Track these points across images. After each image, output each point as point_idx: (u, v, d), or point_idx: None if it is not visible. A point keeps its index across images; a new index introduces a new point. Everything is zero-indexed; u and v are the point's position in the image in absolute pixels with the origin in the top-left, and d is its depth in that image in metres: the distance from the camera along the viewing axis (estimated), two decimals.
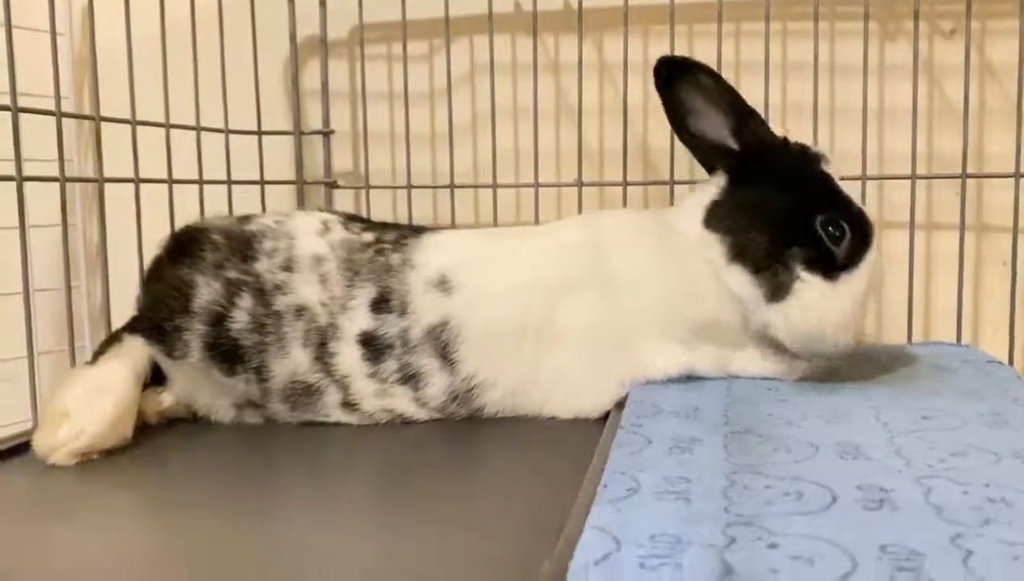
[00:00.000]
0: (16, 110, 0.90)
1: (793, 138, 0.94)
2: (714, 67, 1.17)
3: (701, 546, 0.49)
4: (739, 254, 0.89)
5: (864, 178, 1.15)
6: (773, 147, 0.94)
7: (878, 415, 0.76)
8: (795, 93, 1.23)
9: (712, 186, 0.95)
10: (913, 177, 1.15)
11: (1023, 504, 0.54)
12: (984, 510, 0.53)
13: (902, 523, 0.52)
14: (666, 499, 0.57)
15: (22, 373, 0.97)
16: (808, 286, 0.87)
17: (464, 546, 0.64)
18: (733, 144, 0.93)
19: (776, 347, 0.91)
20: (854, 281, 0.87)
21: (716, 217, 0.92)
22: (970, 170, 1.14)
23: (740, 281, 0.89)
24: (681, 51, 1.22)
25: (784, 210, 0.89)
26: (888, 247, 1.22)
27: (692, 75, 0.92)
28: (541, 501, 0.70)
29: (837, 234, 0.87)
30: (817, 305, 0.87)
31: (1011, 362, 1.13)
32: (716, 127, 0.93)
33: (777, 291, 0.88)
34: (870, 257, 0.88)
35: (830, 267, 0.87)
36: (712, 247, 0.90)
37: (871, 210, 1.18)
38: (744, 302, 0.89)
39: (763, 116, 0.93)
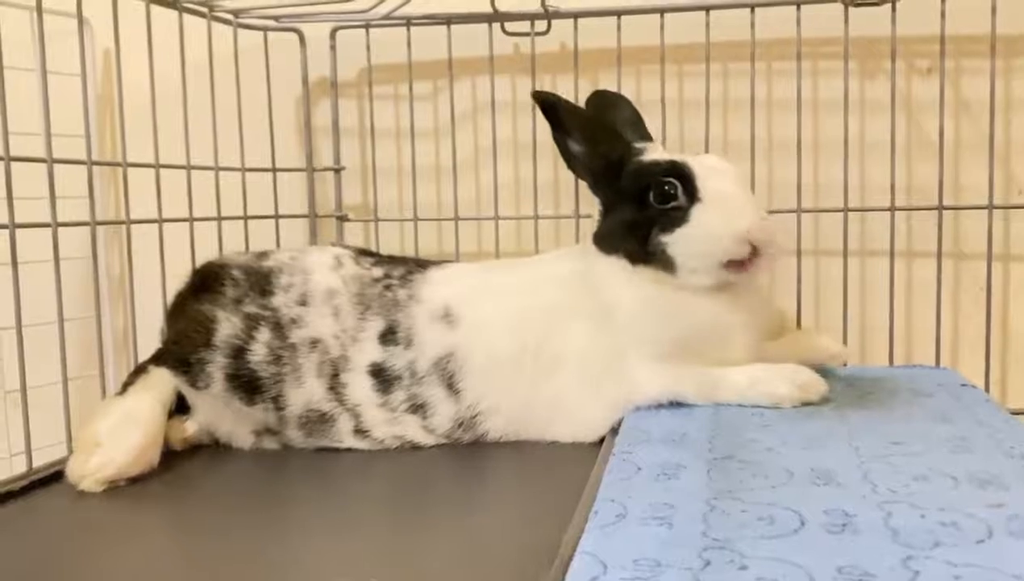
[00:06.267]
0: (52, 161, 0.95)
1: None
2: (703, 105, 1.23)
3: (678, 569, 0.54)
4: (636, 261, 0.96)
5: (846, 210, 1.20)
6: (613, 161, 0.99)
7: (851, 440, 0.80)
8: (780, 128, 1.27)
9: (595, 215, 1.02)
10: (892, 209, 1.20)
11: (971, 527, 0.59)
12: (936, 533, 0.58)
13: (860, 546, 0.57)
14: (650, 524, 0.62)
15: (42, 399, 1.00)
16: (676, 238, 0.93)
17: (466, 567, 0.68)
18: (595, 167, 0.99)
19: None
20: (707, 207, 0.93)
21: (603, 240, 0.99)
22: (946, 202, 1.20)
23: (650, 277, 0.96)
24: (671, 89, 1.27)
25: (631, 212, 0.97)
26: (871, 274, 1.27)
27: (554, 109, 0.97)
28: (539, 524, 0.73)
29: (671, 192, 0.94)
30: (692, 240, 0.93)
31: (987, 381, 1.18)
32: (583, 155, 0.99)
33: (667, 265, 0.95)
34: (707, 183, 0.94)
35: (680, 216, 0.94)
36: (624, 270, 0.97)
37: (853, 238, 1.22)
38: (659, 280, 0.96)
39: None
